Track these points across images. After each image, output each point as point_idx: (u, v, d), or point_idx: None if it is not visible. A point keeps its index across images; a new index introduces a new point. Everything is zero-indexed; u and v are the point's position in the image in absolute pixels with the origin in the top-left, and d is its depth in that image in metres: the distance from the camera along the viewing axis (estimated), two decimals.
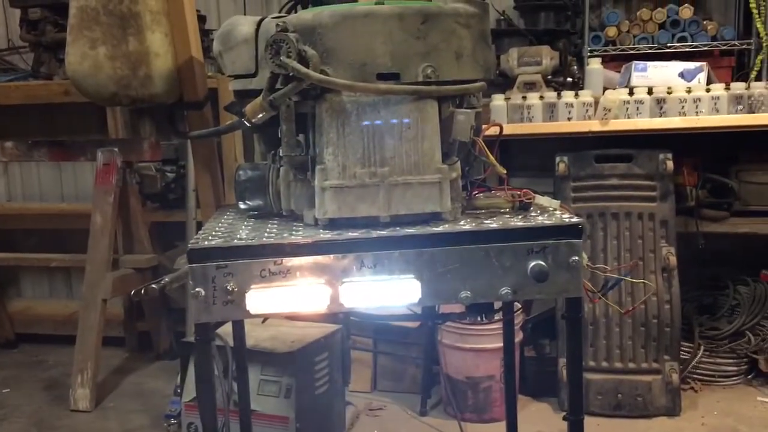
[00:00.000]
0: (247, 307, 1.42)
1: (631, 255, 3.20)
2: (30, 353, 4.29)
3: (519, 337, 3.23)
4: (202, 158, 2.42)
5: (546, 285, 1.44)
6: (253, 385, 2.43)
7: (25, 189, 4.91)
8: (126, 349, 4.21)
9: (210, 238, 1.50)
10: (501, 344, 2.68)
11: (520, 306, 3.19)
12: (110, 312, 3.76)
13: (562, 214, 1.57)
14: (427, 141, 1.50)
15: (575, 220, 1.48)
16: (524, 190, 1.63)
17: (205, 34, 3.66)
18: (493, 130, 1.71)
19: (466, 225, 1.50)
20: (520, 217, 1.57)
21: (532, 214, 1.59)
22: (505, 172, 1.61)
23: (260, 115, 1.53)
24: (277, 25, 1.45)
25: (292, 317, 2.76)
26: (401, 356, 3.51)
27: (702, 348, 3.40)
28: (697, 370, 3.42)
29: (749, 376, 3.48)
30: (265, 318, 2.28)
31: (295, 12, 1.91)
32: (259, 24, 1.60)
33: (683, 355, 3.34)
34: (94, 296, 3.53)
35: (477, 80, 1.55)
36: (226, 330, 2.41)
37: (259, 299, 1.42)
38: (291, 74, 1.42)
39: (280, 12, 2.52)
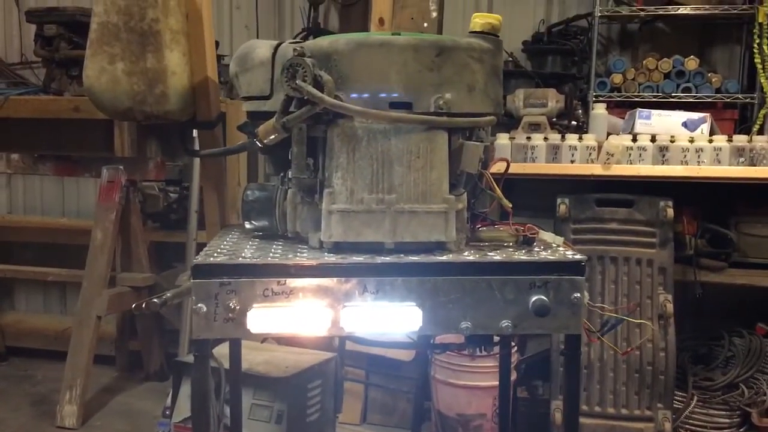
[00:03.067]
0: (248, 326, 1.43)
1: (629, 300, 3.21)
2: (19, 367, 4.26)
3: (512, 376, 3.21)
4: (211, 177, 2.44)
5: (546, 320, 1.45)
6: (245, 409, 2.41)
7: (27, 202, 4.92)
8: (116, 368, 4.18)
9: (215, 255, 1.51)
10: (494, 382, 2.68)
11: (515, 344, 3.19)
12: (102, 330, 3.74)
13: (566, 250, 1.58)
14: (436, 171, 1.52)
15: (578, 257, 1.49)
16: (528, 225, 1.65)
17: (217, 60, 3.71)
18: (499, 166, 1.73)
19: (470, 256, 1.51)
20: (523, 251, 1.58)
21: (536, 249, 1.60)
22: (510, 206, 1.63)
23: (272, 137, 1.55)
24: (295, 49, 1.48)
25: (286, 342, 2.76)
26: (393, 389, 3.49)
27: (695, 398, 3.38)
28: (690, 420, 3.40)
29: (742, 429, 3.45)
30: (264, 339, 2.27)
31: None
32: (276, 48, 1.63)
33: (676, 404, 3.32)
34: (89, 313, 3.51)
35: (487, 114, 1.58)
36: (221, 352, 2.40)
37: (260, 318, 1.43)
38: (305, 98, 1.45)
39: (294, 38, 2.56)
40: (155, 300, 1.51)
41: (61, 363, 3.53)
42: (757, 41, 3.67)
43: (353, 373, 3.51)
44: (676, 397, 3.31)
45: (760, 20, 3.65)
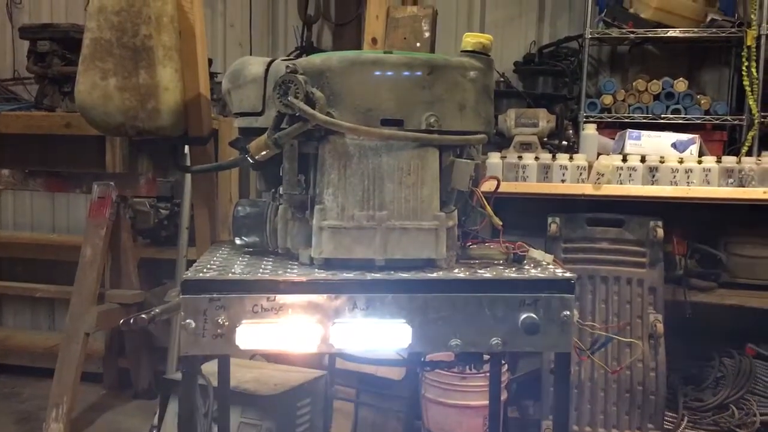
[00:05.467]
0: (237, 342, 1.42)
1: (619, 319, 3.21)
2: (6, 384, 4.20)
3: (503, 396, 3.20)
4: (202, 193, 2.44)
5: (536, 338, 1.45)
6: (233, 427, 2.38)
7: (16, 218, 4.89)
8: (104, 386, 4.14)
9: (205, 270, 1.50)
10: (485, 402, 2.67)
11: (505, 363, 3.18)
12: (91, 347, 3.70)
13: (555, 268, 1.58)
14: (427, 188, 1.52)
15: (568, 274, 1.50)
16: (518, 243, 1.65)
17: (211, 77, 3.72)
18: (490, 184, 1.74)
19: (460, 273, 1.51)
20: (513, 269, 1.58)
21: (526, 266, 1.60)
22: (500, 224, 1.63)
23: (264, 153, 1.55)
24: (287, 66, 1.48)
25: (276, 359, 2.74)
26: (383, 408, 3.46)
27: (686, 419, 3.38)
28: None
29: None
30: (252, 355, 2.26)
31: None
32: (269, 65, 1.64)
33: (667, 425, 3.31)
34: (77, 329, 3.47)
35: (478, 132, 1.59)
36: (209, 369, 2.38)
37: (250, 335, 1.42)
38: (297, 114, 1.46)
39: (287, 56, 2.57)
40: (143, 315, 1.50)
41: (49, 380, 3.49)
42: (746, 64, 3.71)
43: (343, 392, 3.49)
44: (666, 418, 3.31)
45: (748, 43, 3.69)
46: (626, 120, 3.86)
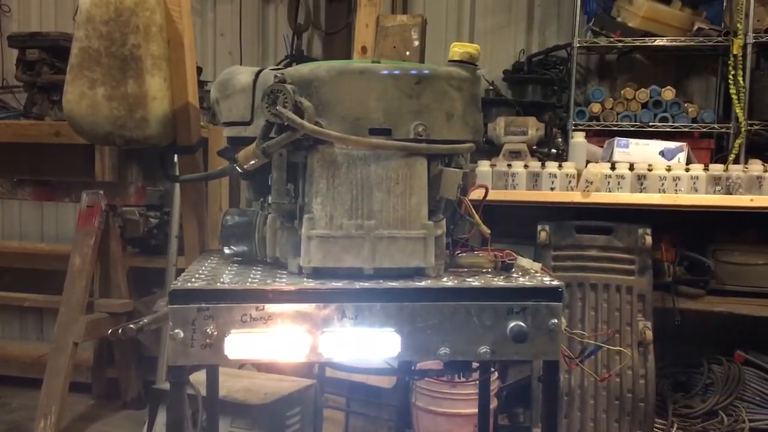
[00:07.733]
0: (225, 352, 1.41)
1: (608, 326, 3.22)
2: None
3: (493, 404, 3.20)
4: (191, 202, 2.44)
5: (524, 346, 1.45)
6: None
7: (5, 227, 4.87)
8: (93, 396, 4.11)
9: (193, 280, 1.50)
10: (475, 410, 2.67)
11: (494, 370, 3.18)
12: (79, 357, 3.67)
13: (543, 276, 1.59)
14: (415, 197, 1.53)
15: (556, 283, 1.50)
16: (506, 252, 1.66)
17: (200, 86, 3.72)
18: (478, 193, 1.75)
19: (448, 282, 1.51)
20: (501, 277, 1.59)
21: (514, 275, 1.61)
22: (489, 232, 1.64)
23: (252, 162, 1.56)
24: (276, 76, 1.49)
25: (265, 369, 2.73)
26: (374, 417, 3.46)
27: (675, 425, 3.39)
28: None
29: None
30: (242, 365, 2.25)
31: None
32: (257, 74, 1.64)
33: (656, 431, 3.32)
34: (65, 339, 3.45)
35: (466, 141, 1.60)
36: (198, 379, 2.37)
37: (238, 344, 1.42)
38: (285, 124, 1.46)
39: (277, 65, 2.58)
40: (131, 325, 1.50)
41: (37, 391, 3.46)
42: (732, 72, 3.75)
43: (334, 401, 3.48)
44: (656, 425, 3.31)
45: (734, 52, 3.73)
46: (614, 128, 3.89)
